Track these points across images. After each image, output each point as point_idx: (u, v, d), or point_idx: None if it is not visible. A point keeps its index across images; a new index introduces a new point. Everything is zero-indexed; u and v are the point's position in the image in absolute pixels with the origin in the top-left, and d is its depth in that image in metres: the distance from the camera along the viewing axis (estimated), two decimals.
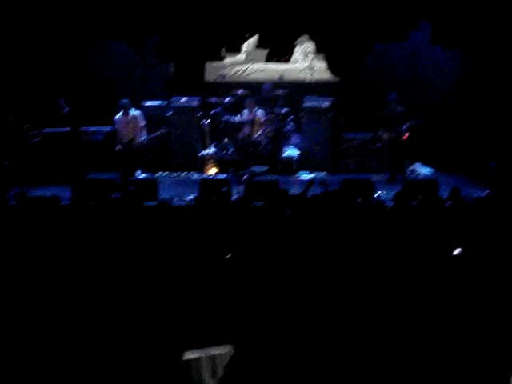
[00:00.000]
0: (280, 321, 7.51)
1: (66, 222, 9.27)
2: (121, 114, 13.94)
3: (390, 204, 10.31)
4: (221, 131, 14.82)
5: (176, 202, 10.72)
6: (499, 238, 8.88)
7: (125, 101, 13.93)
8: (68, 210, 9.60)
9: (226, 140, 14.71)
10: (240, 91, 14.91)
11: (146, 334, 7.24)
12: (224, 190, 10.42)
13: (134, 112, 13.99)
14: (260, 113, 14.29)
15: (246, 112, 14.37)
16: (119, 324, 7.36)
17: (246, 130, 14.23)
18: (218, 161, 14.63)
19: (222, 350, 6.14)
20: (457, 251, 8.74)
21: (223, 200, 9.97)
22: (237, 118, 14.35)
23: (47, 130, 14.29)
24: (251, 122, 14.15)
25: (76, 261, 8.51)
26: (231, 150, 14.59)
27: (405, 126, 13.93)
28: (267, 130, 14.51)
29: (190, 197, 11.54)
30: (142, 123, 14.05)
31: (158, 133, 14.30)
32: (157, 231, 9.26)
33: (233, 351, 6.19)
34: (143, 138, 14.04)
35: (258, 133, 14.30)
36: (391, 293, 8.18)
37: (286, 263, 8.63)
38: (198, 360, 6.06)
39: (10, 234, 8.86)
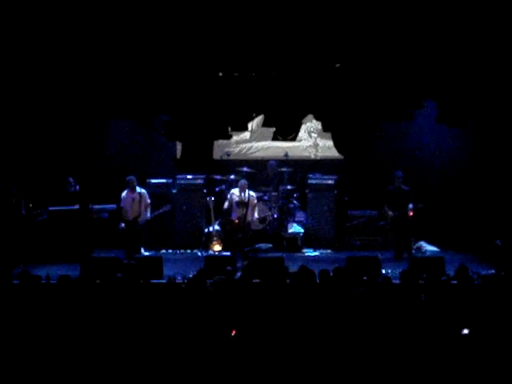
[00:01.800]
0: None
1: (71, 300, 9.23)
2: (127, 191, 14.04)
3: (396, 282, 10.23)
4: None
5: (180, 279, 10.66)
6: (506, 318, 8.80)
7: (131, 177, 14.06)
8: (73, 289, 9.54)
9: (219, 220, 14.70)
10: (244, 169, 15.05)
11: None
12: (229, 268, 10.37)
13: (139, 190, 14.09)
14: (252, 194, 14.21)
15: (235, 193, 14.24)
16: None
17: (239, 211, 14.07)
18: (222, 238, 14.60)
19: None
20: (465, 331, 8.65)
21: (228, 278, 9.93)
22: (229, 197, 14.24)
23: (52, 208, 14.32)
24: (246, 204, 13.98)
25: (77, 338, 8.47)
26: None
27: (410, 206, 13.99)
28: (261, 212, 14.57)
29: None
30: (148, 201, 14.15)
31: (161, 210, 14.41)
32: (162, 308, 9.21)
33: None
34: (148, 216, 14.10)
35: (254, 214, 14.23)
36: (398, 371, 8.08)
37: (291, 341, 8.55)
38: None
39: (13, 312, 8.81)
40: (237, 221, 13.99)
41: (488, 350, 8.39)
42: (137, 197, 13.99)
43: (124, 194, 14.06)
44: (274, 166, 15.35)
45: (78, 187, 14.26)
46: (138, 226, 13.97)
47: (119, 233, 13.92)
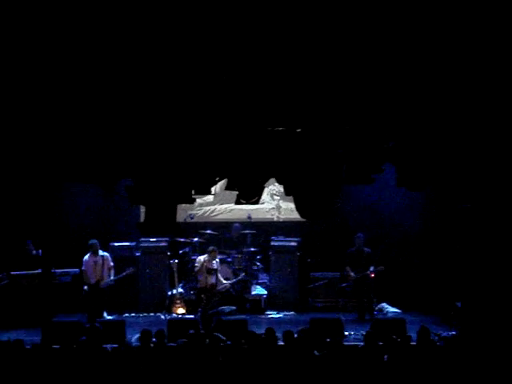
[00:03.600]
0: None
1: (30, 366, 9.14)
2: (89, 254, 13.99)
3: (359, 344, 10.29)
4: (189, 271, 14.86)
5: (134, 342, 10.58)
6: (468, 379, 8.89)
7: (94, 241, 14.03)
8: (33, 354, 9.45)
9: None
10: (208, 231, 15.11)
11: None
12: (191, 332, 10.33)
13: (102, 253, 14.04)
14: (218, 262, 14.18)
15: (204, 259, 14.09)
16: None
17: (208, 278, 13.94)
18: (185, 301, 14.55)
19: None
20: None
21: (192, 341, 9.91)
22: (197, 264, 14.10)
23: (14, 272, 14.18)
24: (216, 271, 13.96)
25: None
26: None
27: (371, 269, 14.14)
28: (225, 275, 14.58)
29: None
30: (111, 264, 14.11)
31: (125, 273, 14.31)
32: (120, 374, 9.17)
33: None
34: (111, 279, 14.03)
35: (222, 280, 14.27)
36: None
37: None
38: None
39: None
40: (205, 287, 13.89)
41: None
42: (99, 260, 13.94)
43: (86, 257, 13.99)
44: (238, 228, 15.45)
45: (40, 251, 14.17)
46: (101, 289, 13.87)
47: (83, 296, 13.79)
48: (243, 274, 14.83)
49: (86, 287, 13.84)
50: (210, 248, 14.11)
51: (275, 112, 10.36)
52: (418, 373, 9.07)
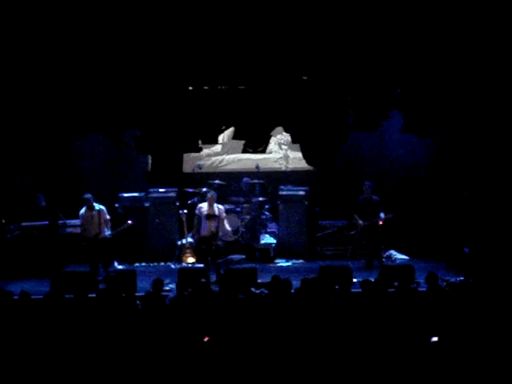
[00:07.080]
0: None
1: (39, 317, 9.22)
2: (85, 208, 13.73)
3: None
4: None
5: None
6: (475, 324, 8.94)
7: (88, 195, 13.74)
8: (41, 305, 9.52)
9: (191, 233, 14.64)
10: (216, 181, 15.13)
11: None
12: (203, 280, 10.43)
13: (98, 207, 13.75)
14: (221, 207, 14.17)
15: (204, 206, 14.14)
16: None
17: (209, 225, 13.92)
18: (195, 250, 14.62)
19: None
20: (434, 339, 8.78)
21: (202, 290, 10.00)
22: (197, 212, 14.12)
23: (24, 223, 14.28)
24: (216, 217, 13.95)
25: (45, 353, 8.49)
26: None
27: (381, 215, 14.16)
28: (232, 223, 14.61)
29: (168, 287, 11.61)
30: (106, 217, 13.79)
31: (124, 226, 14.09)
32: (134, 322, 9.27)
33: None
34: (108, 233, 13.79)
35: (226, 226, 14.26)
36: (371, 379, 8.19)
37: (263, 350, 8.64)
38: None
39: None
40: (208, 236, 13.95)
41: (457, 358, 8.53)
42: (96, 214, 13.65)
43: (82, 210, 13.74)
44: (247, 182, 15.43)
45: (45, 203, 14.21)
46: (100, 242, 13.61)
47: (84, 248, 13.63)
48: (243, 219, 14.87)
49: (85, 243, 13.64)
50: (208, 194, 14.15)
51: (282, 60, 10.30)
52: (425, 318, 9.14)
